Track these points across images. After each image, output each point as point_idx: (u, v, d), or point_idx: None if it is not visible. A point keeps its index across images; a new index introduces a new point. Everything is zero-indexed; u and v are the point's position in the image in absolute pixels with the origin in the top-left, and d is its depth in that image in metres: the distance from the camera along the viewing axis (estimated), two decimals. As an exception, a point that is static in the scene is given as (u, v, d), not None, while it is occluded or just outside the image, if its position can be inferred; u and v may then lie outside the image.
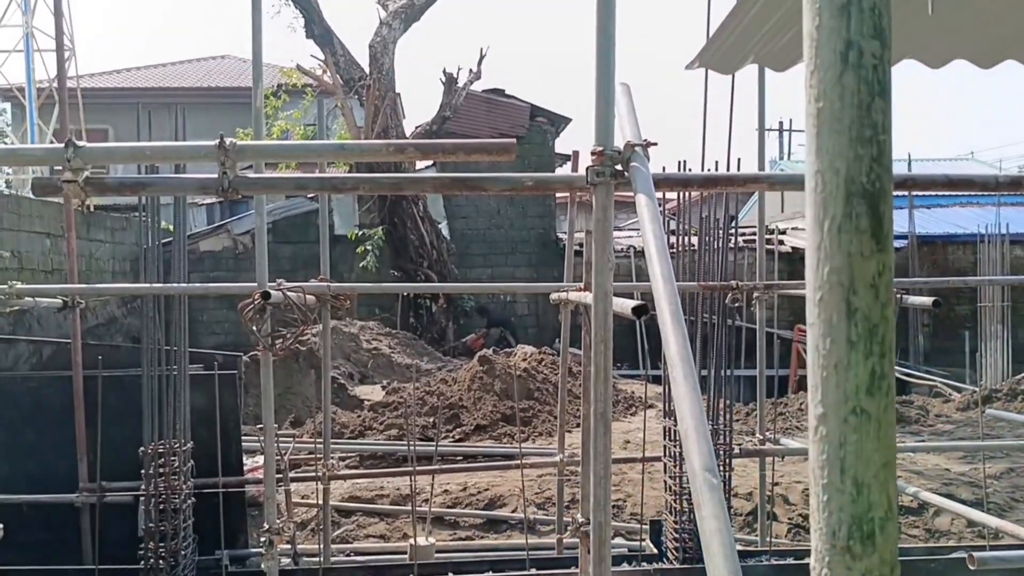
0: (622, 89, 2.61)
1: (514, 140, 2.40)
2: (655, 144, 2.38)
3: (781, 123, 23.93)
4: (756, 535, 4.98)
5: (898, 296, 4.09)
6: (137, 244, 14.88)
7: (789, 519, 5.63)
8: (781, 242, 12.66)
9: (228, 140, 2.21)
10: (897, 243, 15.10)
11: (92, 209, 15.51)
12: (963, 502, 4.97)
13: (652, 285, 1.96)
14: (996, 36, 1.72)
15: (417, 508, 5.06)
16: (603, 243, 2.34)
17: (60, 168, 2.32)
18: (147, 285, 4.09)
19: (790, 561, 4.23)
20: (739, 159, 4.60)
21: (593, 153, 2.31)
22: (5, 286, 4.31)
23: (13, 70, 23.51)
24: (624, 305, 2.40)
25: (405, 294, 15.12)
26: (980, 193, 16.03)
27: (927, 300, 4.27)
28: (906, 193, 14.68)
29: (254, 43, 3.58)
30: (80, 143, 2.21)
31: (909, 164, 16.49)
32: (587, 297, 3.53)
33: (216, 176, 2.24)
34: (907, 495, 4.53)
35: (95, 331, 8.43)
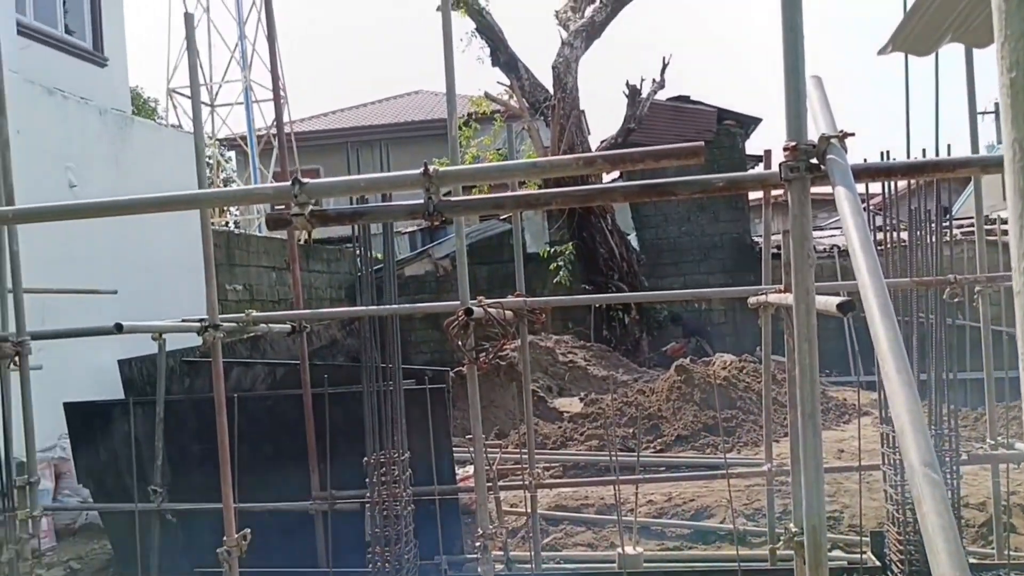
0: (814, 82, 2.55)
1: (702, 143, 2.40)
2: (852, 135, 2.31)
3: (997, 105, 21.93)
4: (992, 547, 4.59)
5: None
6: (351, 272, 15.98)
7: (1031, 532, 5.15)
8: (1005, 232, 11.57)
9: (431, 167, 2.39)
10: None
11: (311, 242, 16.90)
12: None
13: (857, 279, 1.90)
14: None
15: (623, 517, 5.09)
16: (801, 239, 2.29)
17: (282, 206, 2.61)
18: (363, 308, 4.42)
19: (1033, 576, 3.87)
20: (949, 145, 4.30)
21: (786, 149, 2.28)
22: (243, 315, 4.81)
23: (234, 121, 26.05)
24: (828, 302, 2.34)
25: (597, 307, 15.21)
26: None
27: None
28: None
29: (447, 77, 3.81)
30: (304, 180, 2.47)
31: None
32: (788, 298, 3.45)
33: (422, 202, 2.42)
34: None
35: (319, 352, 9.15)
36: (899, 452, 4.29)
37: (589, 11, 16.71)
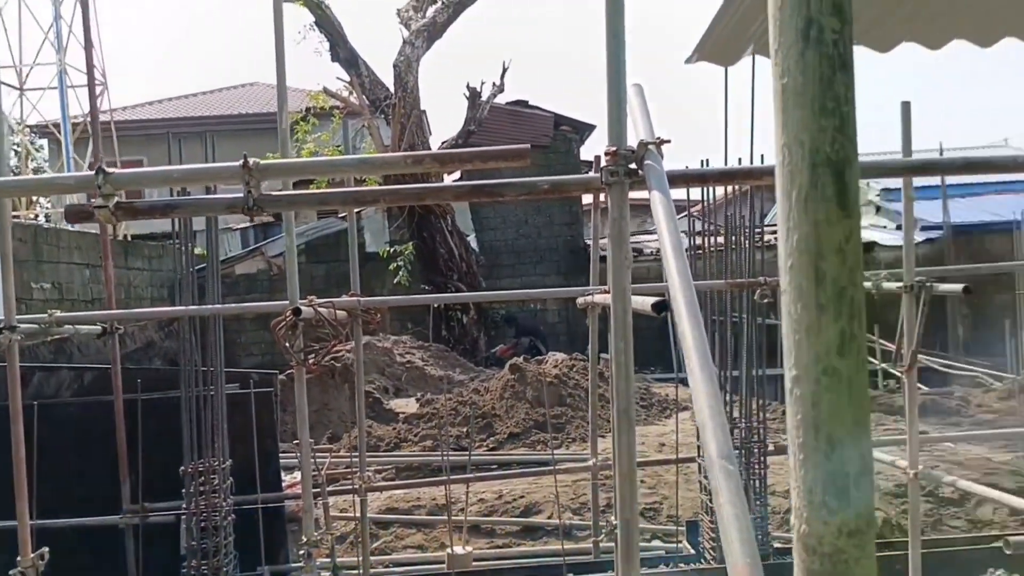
0: (635, 89, 2.63)
1: (528, 146, 2.42)
2: (668, 141, 2.40)
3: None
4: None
5: (928, 284, 4.04)
6: (173, 270, 15.15)
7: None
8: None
9: (252, 160, 2.27)
10: (932, 233, 14.89)
11: (130, 238, 15.87)
12: (1005, 491, 4.88)
13: (667, 280, 1.98)
14: (994, 14, 1.71)
15: (453, 517, 5.10)
16: (619, 242, 2.36)
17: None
18: (183, 308, 4.18)
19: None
20: (762, 155, 4.59)
21: (606, 153, 2.34)
22: (45, 315, 4.43)
23: (48, 107, 24.11)
24: (644, 302, 2.41)
25: (436, 307, 15.21)
26: (1014, 179, 15.76)
27: (957, 287, 4.21)
28: (939, 183, 14.50)
29: (278, 68, 3.66)
30: (110, 170, 2.29)
31: (941, 153, 16.25)
32: (610, 298, 3.55)
33: (242, 195, 2.30)
34: (945, 483, 4.46)
35: (134, 356, 8.60)
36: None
37: (431, 11, 16.68)
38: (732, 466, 1.51)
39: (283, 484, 5.22)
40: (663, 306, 2.42)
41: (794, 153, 0.64)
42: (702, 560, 4.50)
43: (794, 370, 0.63)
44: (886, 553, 4.24)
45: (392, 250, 15.96)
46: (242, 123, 23.43)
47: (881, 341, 10.95)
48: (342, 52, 16.36)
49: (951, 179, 14.49)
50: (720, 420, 1.62)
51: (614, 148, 2.34)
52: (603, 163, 2.37)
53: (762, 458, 4.54)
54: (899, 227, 18.08)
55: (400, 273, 15.46)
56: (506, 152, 2.40)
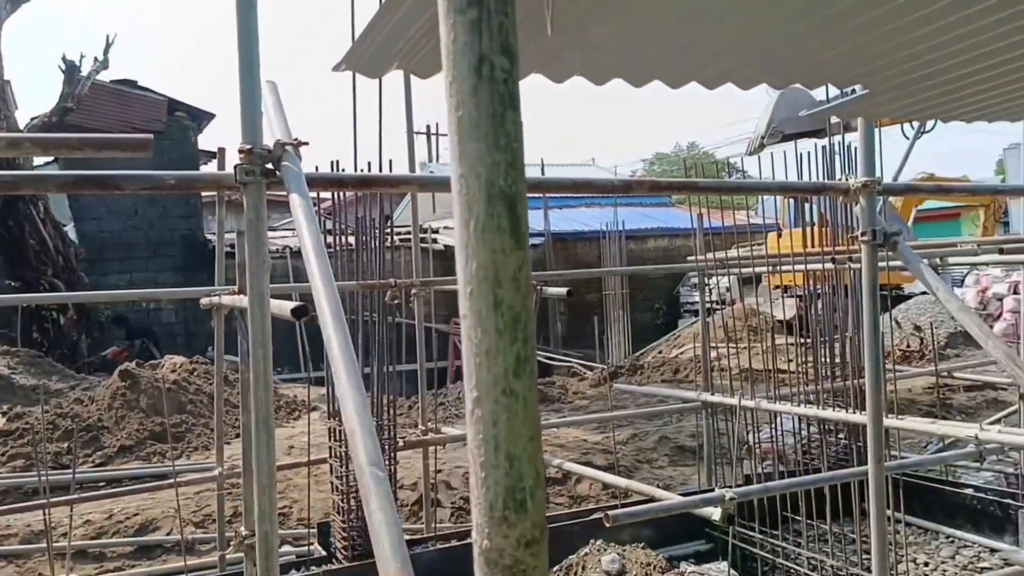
0: (269, 87, 2.55)
1: (151, 136, 2.22)
2: (306, 143, 2.37)
3: (428, 127, 24.91)
4: (423, 523, 5.17)
5: (538, 287, 4.47)
6: None
7: (452, 503, 5.92)
8: (435, 240, 13.21)
9: None
10: (535, 240, 16.54)
11: None
12: (598, 468, 5.60)
13: (311, 285, 1.95)
14: (607, 57, 1.97)
15: (54, 544, 4.50)
16: (257, 244, 2.27)
17: None
18: None
19: (454, 543, 4.45)
20: (391, 160, 4.74)
21: (241, 151, 2.24)
22: None
23: None
24: (283, 307, 2.36)
25: (26, 307, 13.31)
26: (601, 195, 18.13)
27: (562, 290, 4.73)
28: (541, 195, 16.15)
29: None
30: None
31: (543, 169, 18.11)
32: (242, 300, 3.40)
33: None
34: (553, 467, 4.99)
35: None
36: (345, 445, 4.57)
37: (17, -33, 14.56)
38: (382, 472, 1.54)
39: None
40: (302, 311, 2.38)
41: (471, 185, 0.67)
42: (335, 560, 4.51)
43: (475, 391, 0.66)
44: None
45: (-34, 239, 13.65)
46: None
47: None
48: None
49: (551, 193, 16.25)
50: (369, 427, 1.64)
51: (249, 146, 2.25)
52: (238, 161, 2.27)
53: (392, 454, 4.67)
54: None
55: (-24, 266, 13.28)
56: (125, 141, 2.19)
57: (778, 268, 5.09)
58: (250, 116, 2.24)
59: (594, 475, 4.07)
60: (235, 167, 2.24)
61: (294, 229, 2.24)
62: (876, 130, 3.21)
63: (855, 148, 4.69)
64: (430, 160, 25.13)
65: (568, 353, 13.51)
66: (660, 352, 13.13)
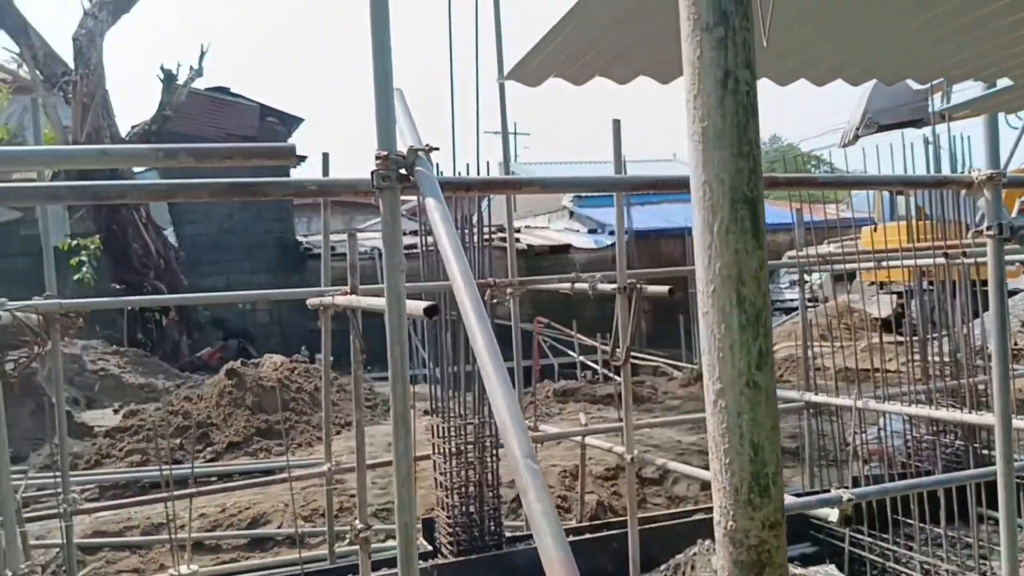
0: (397, 94, 2.65)
1: (293, 144, 2.35)
2: (437, 148, 2.45)
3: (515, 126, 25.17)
4: (522, 520, 5.24)
5: (639, 286, 4.48)
6: None
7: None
8: (517, 240, 13.33)
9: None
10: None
11: None
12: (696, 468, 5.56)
13: (452, 284, 2.02)
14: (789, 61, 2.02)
15: (175, 536, 4.74)
16: (392, 246, 2.35)
17: None
18: None
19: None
20: (488, 162, 4.83)
21: (378, 158, 2.32)
22: None
23: None
24: (416, 307, 2.44)
25: (131, 308, 13.95)
26: (684, 191, 17.95)
27: (663, 289, 4.72)
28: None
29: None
30: None
31: (624, 167, 18.02)
32: (356, 300, 3.53)
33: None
34: (655, 466, 4.99)
35: None
36: (447, 441, 4.67)
37: (116, -19, 15.26)
38: (536, 464, 1.60)
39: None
40: (434, 310, 2.46)
41: (715, 190, 0.71)
42: (439, 555, 4.62)
43: (719, 383, 0.71)
44: (604, 533, 4.65)
45: (74, 243, 14.35)
46: None
47: (579, 336, 11.94)
48: (8, 19, 14.44)
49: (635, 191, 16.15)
50: (520, 421, 1.70)
51: (385, 153, 2.34)
52: (374, 167, 2.36)
53: (495, 451, 4.75)
54: (591, 231, 19.77)
55: (84, 270, 13.94)
56: (272, 149, 2.32)
57: (884, 264, 4.97)
58: (385, 123, 2.32)
59: (698, 474, 4.05)
60: (372, 173, 2.33)
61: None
62: (981, 120, 3.11)
63: (963, 139, 4.58)
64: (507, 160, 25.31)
65: (654, 353, 13.42)
66: (748, 351, 12.87)
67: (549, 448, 6.79)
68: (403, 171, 2.36)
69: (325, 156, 5.47)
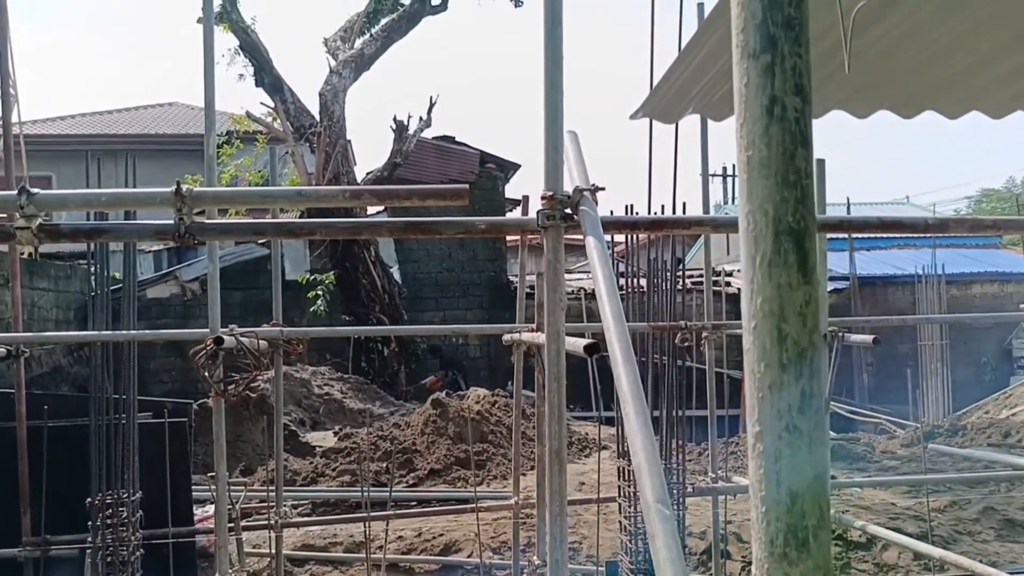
0: (570, 136, 2.70)
1: (466, 185, 2.47)
2: (603, 189, 2.47)
3: (725, 168, 24.54)
4: (711, 573, 5.02)
5: (840, 334, 4.21)
6: (82, 292, 14.54)
7: (743, 557, 5.69)
8: (728, 283, 12.92)
9: (184, 186, 2.24)
10: (839, 284, 15.52)
11: (36, 257, 15.19)
12: (909, 536, 5.08)
13: (603, 324, 2.03)
14: (915, 88, 1.86)
15: (371, 555, 5.00)
16: (554, 284, 2.40)
17: (5, 217, 2.32)
18: (95, 332, 4.03)
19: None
20: (684, 203, 4.76)
21: (543, 198, 2.39)
22: (-55, 335, 4.21)
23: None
24: (576, 344, 2.46)
25: (356, 338, 15.02)
26: (915, 235, 16.63)
27: (867, 338, 4.41)
28: (846, 236, 15.15)
29: (206, 91, 3.61)
30: (34, 190, 2.22)
31: (848, 208, 17.02)
32: (539, 337, 3.59)
33: (173, 222, 2.26)
34: (855, 528, 4.63)
35: (40, 380, 8.21)
36: (633, 485, 4.60)
37: (359, 43, 16.70)
38: (668, 511, 1.55)
39: (195, 518, 5.04)
40: (594, 348, 2.46)
41: (758, 221, 0.68)
42: (620, 600, 4.53)
43: (757, 426, 0.67)
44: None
45: (312, 278, 15.73)
46: (161, 143, 22.82)
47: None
48: (267, 77, 16.21)
49: (856, 233, 15.14)
50: (656, 465, 1.66)
51: (551, 193, 2.40)
52: (540, 207, 2.42)
53: (681, 499, 4.62)
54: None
55: (319, 302, 15.22)
56: (445, 191, 2.44)
57: None
58: (553, 165, 2.39)
59: (904, 542, 3.70)
60: (537, 212, 2.39)
61: (588, 271, 2.34)
62: None
63: None
64: (725, 202, 24.71)
65: (876, 409, 12.43)
66: (987, 412, 11.64)
67: (746, 501, 6.48)
68: (568, 210, 2.41)
69: (525, 198, 5.70)
